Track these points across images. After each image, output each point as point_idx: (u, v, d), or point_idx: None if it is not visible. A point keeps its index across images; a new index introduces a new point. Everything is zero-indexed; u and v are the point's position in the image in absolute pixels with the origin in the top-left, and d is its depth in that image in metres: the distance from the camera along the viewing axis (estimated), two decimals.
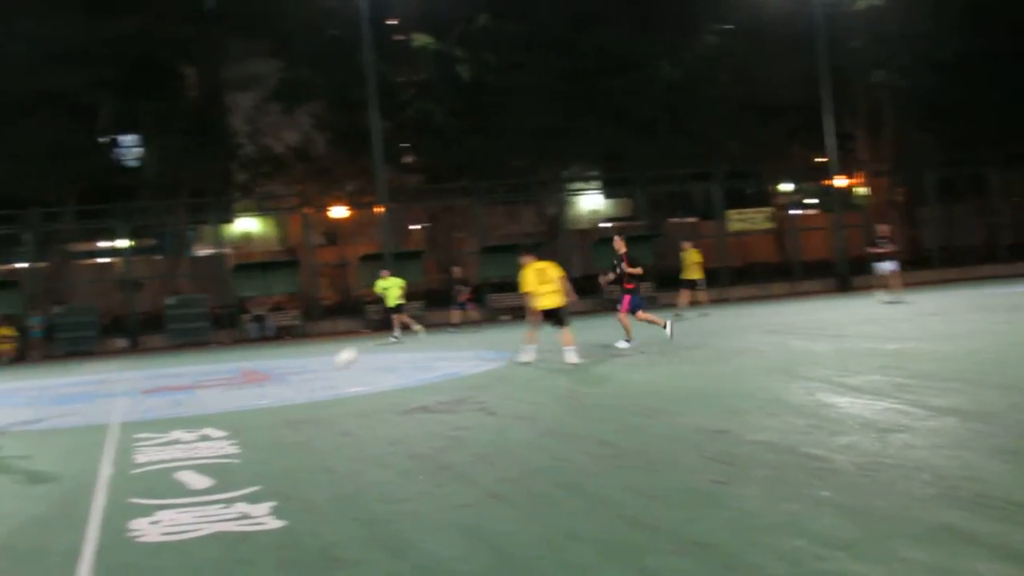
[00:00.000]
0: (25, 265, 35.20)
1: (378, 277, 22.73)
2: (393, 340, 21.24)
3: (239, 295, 32.15)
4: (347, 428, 8.33)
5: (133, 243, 36.37)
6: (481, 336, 21.34)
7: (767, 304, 26.39)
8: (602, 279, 15.12)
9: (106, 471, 6.93)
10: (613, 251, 14.85)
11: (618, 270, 14.46)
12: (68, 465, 7.47)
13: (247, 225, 42.58)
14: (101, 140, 39.17)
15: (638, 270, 14.50)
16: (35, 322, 29.97)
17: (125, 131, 42.43)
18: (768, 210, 36.86)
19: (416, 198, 37.83)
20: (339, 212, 37.28)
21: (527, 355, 13.05)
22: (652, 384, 10.02)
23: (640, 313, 14.48)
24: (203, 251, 42.13)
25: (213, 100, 39.55)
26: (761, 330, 15.96)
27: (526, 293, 12.93)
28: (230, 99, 40.16)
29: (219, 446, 7.76)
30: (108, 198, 35.83)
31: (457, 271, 27.05)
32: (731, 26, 35.51)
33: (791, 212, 40.38)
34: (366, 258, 31.30)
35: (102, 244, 42.47)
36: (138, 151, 42.72)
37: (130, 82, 35.69)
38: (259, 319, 31.24)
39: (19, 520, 5.52)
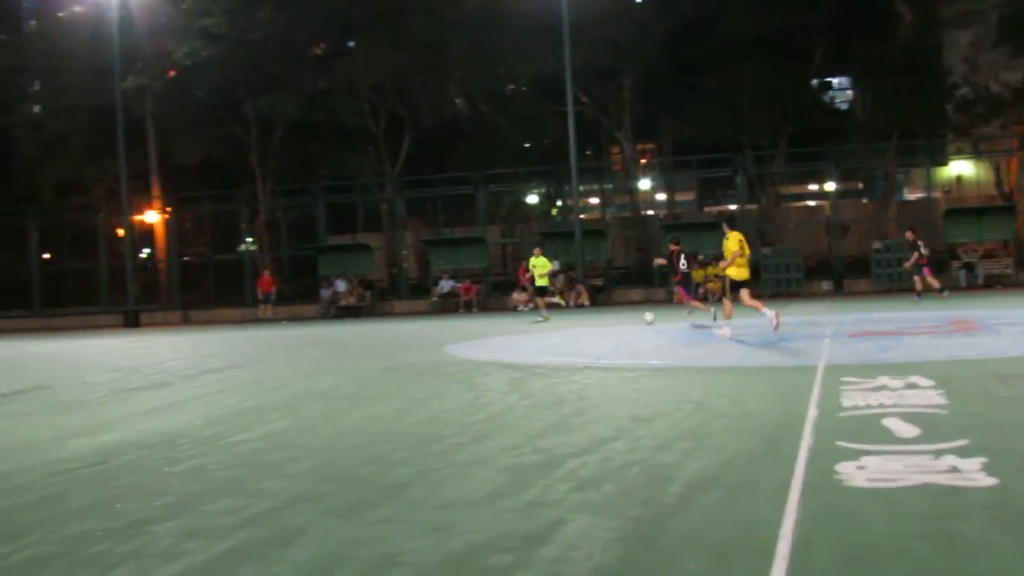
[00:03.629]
0: (736, 207, 37.81)
1: None
2: None
3: (949, 241, 30.44)
4: None
5: (841, 186, 36.64)
6: None
7: None
8: None
9: (812, 412, 7.00)
10: None
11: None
12: (776, 403, 7.69)
13: (960, 168, 39.91)
14: (812, 83, 40.04)
15: None
16: None
17: (836, 73, 42.79)
18: None
19: None
20: None
21: None
22: None
23: None
24: (912, 195, 40.71)
25: (928, 39, 37.64)
26: None
27: None
28: (947, 37, 37.85)
29: (926, 395, 7.41)
30: (817, 141, 36.65)
31: None
32: None
33: None
34: None
35: (811, 187, 43.73)
36: (849, 93, 42.81)
37: (843, 24, 35.76)
38: (969, 266, 29.25)
39: (730, 453, 5.79)
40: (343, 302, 33.84)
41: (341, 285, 34.08)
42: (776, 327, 13.94)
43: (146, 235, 42.15)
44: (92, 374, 14.02)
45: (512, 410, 8.09)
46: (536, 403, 8.44)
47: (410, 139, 40.30)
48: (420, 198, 41.34)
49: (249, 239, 40.78)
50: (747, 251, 14.24)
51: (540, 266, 22.81)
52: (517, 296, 30.70)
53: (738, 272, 14.20)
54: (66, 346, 22.12)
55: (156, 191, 40.30)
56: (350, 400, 9.44)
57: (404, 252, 38.73)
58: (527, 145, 44.04)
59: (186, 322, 35.48)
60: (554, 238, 34.28)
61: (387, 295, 36.82)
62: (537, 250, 23.67)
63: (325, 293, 34.24)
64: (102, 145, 38.42)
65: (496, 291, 34.40)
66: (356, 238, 41.54)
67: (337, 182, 41.24)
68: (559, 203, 44.49)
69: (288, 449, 6.77)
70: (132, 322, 34.20)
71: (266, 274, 34.05)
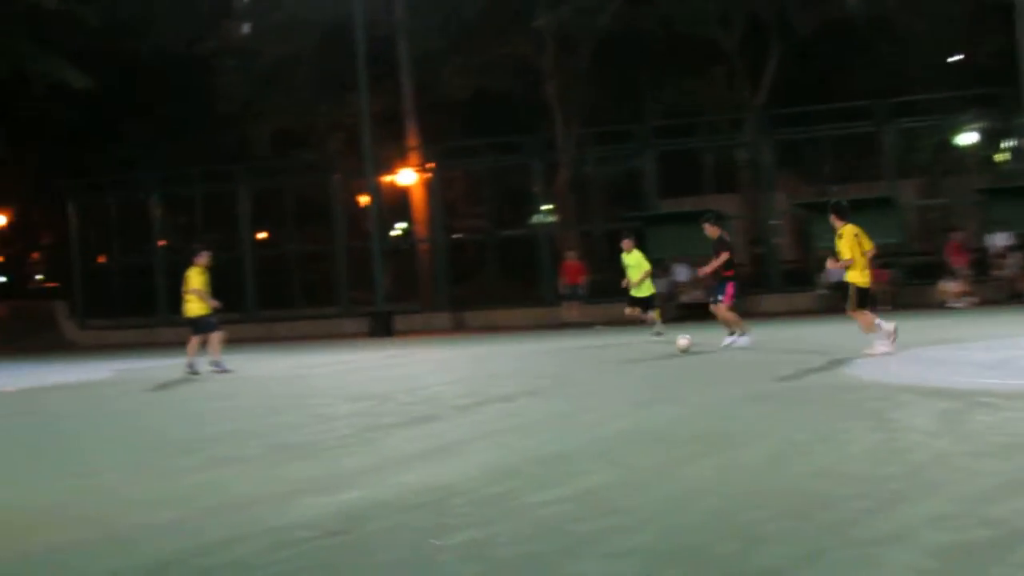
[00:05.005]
0: None
1: None
2: None
3: None
4: None
5: None
6: None
7: None
8: None
9: None
10: None
11: None
12: None
13: None
14: None
15: None
16: None
17: None
18: None
19: None
20: None
21: None
22: None
23: None
24: None
25: None
26: None
27: None
28: None
29: None
30: None
31: None
32: None
33: None
34: None
35: None
36: None
37: None
38: None
39: None
40: (685, 297, 34.04)
41: (682, 272, 34.16)
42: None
43: (399, 204, 44.31)
44: (328, 404, 14.93)
45: (944, 459, 8.06)
46: (981, 449, 8.36)
47: (778, 55, 39.72)
48: (795, 141, 40.59)
49: (545, 207, 41.86)
50: (867, 247, 16.73)
51: (635, 265, 23.37)
52: (948, 286, 30.19)
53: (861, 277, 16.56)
54: (291, 364, 23.79)
55: (412, 140, 42.27)
56: (699, 443, 9.50)
57: (774, 222, 38.41)
58: (955, 58, 42.14)
59: (458, 328, 37.11)
60: (1003, 197, 32.68)
61: (750, 286, 36.61)
62: (628, 242, 23.94)
63: (659, 284, 34.43)
64: (336, 77, 40.93)
65: (916, 279, 33.39)
66: (702, 202, 41.49)
67: (672, 121, 41.49)
68: (1008, 145, 42.20)
69: (609, 515, 6.83)
70: (382, 329, 36.11)
71: (571, 257, 34.77)
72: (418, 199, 42.26)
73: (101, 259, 47.28)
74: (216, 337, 20.91)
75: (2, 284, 59.07)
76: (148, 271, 43.23)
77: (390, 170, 42.19)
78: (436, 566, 5.95)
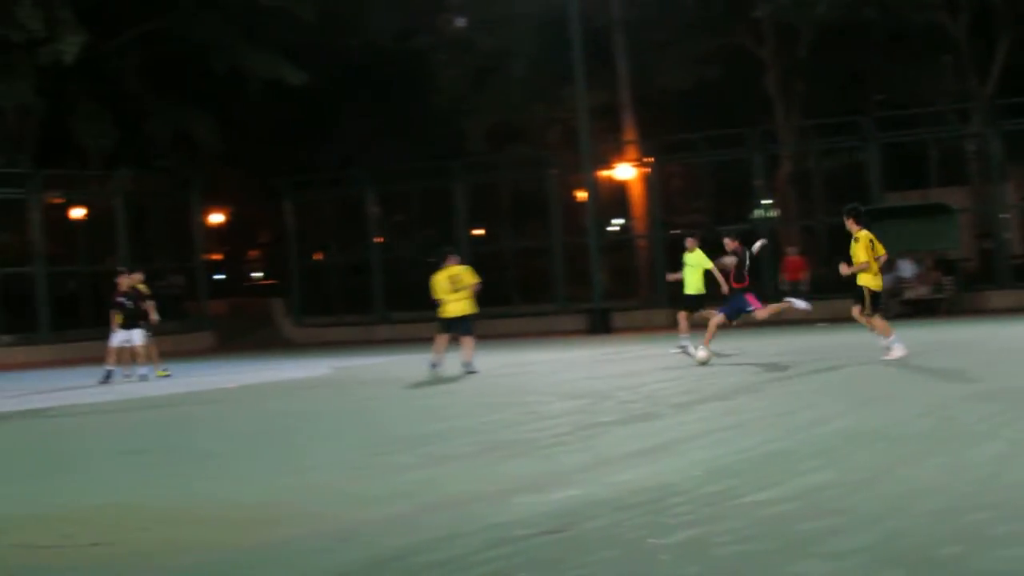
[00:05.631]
0: None
1: None
2: None
3: None
4: None
5: None
6: None
7: None
8: None
9: None
10: None
11: None
12: None
13: None
14: None
15: None
16: None
17: None
18: None
19: None
20: None
21: None
22: None
23: None
24: None
25: None
26: None
27: None
28: None
29: None
30: None
31: None
32: None
33: None
34: None
35: None
36: None
37: None
38: None
39: None
40: (910, 293, 33.62)
41: (907, 268, 33.85)
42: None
43: (615, 199, 44.41)
44: (544, 401, 15.13)
45: None
46: None
47: (1008, 41, 38.37)
48: None
49: (765, 201, 41.46)
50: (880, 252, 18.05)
51: (694, 265, 22.53)
52: None
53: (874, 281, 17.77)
54: (508, 361, 24.11)
55: (629, 134, 42.36)
56: (921, 442, 9.46)
57: (1003, 216, 37.19)
58: None
59: (674, 325, 36.92)
60: None
61: (978, 283, 35.58)
62: (691, 240, 22.92)
63: (884, 280, 33.90)
64: (551, 71, 41.23)
65: None
66: (928, 195, 40.44)
67: (896, 112, 40.54)
68: None
69: (831, 515, 6.83)
70: (600, 326, 36.29)
71: (793, 253, 34.39)
72: (636, 194, 42.28)
73: (317, 256, 48.62)
74: (468, 341, 21.01)
75: (221, 282, 61.22)
76: (364, 268, 44.24)
77: (607, 164, 42.29)
78: (655, 565, 6.00)
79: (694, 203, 45.98)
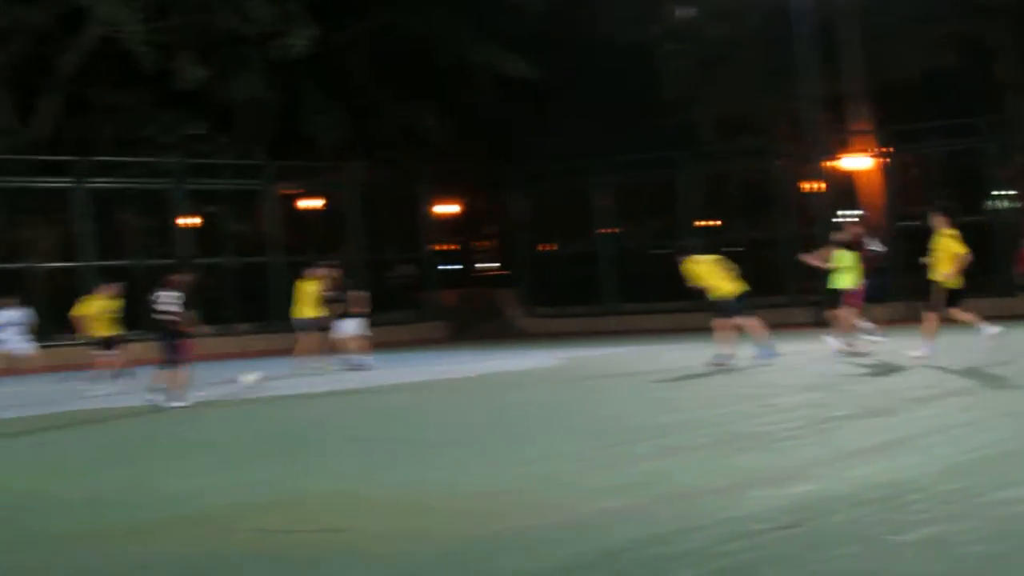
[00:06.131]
0: None
1: None
2: None
3: None
4: None
5: None
6: None
7: None
8: None
9: None
10: None
11: None
12: None
13: None
14: None
15: None
16: None
17: None
18: None
19: None
20: None
21: None
22: None
23: None
24: None
25: None
26: None
27: None
28: None
29: None
30: None
31: None
32: None
33: None
34: None
35: None
36: None
37: None
38: None
39: None
40: None
41: None
42: None
43: (843, 190, 43.46)
44: (779, 394, 15.08)
45: None
46: None
47: None
48: None
49: (1001, 191, 40.10)
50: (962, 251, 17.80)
51: (840, 261, 22.30)
52: None
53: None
54: (742, 353, 23.95)
55: (861, 124, 41.41)
56: None
57: None
58: None
59: (907, 318, 36.08)
60: None
61: None
62: (840, 234, 22.33)
63: None
64: (778, 60, 40.63)
65: None
66: None
67: None
68: None
69: None
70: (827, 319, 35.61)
71: None
72: (866, 185, 41.35)
73: (545, 247, 48.86)
74: (754, 323, 21.07)
75: (450, 272, 62.05)
76: (592, 259, 44.36)
77: (835, 155, 41.51)
78: (897, 562, 5.98)
79: (927, 193, 44.72)
